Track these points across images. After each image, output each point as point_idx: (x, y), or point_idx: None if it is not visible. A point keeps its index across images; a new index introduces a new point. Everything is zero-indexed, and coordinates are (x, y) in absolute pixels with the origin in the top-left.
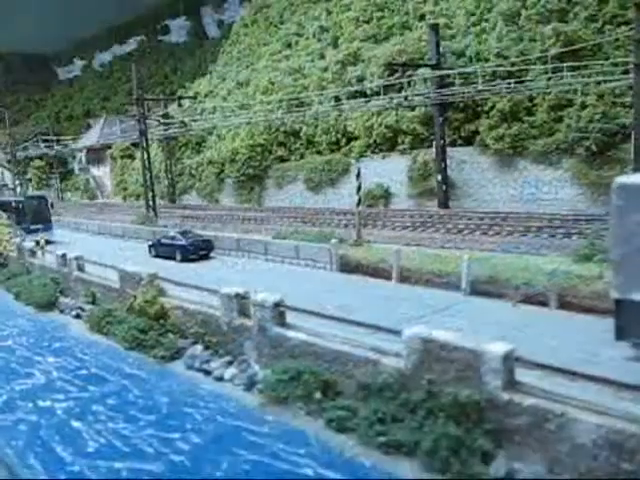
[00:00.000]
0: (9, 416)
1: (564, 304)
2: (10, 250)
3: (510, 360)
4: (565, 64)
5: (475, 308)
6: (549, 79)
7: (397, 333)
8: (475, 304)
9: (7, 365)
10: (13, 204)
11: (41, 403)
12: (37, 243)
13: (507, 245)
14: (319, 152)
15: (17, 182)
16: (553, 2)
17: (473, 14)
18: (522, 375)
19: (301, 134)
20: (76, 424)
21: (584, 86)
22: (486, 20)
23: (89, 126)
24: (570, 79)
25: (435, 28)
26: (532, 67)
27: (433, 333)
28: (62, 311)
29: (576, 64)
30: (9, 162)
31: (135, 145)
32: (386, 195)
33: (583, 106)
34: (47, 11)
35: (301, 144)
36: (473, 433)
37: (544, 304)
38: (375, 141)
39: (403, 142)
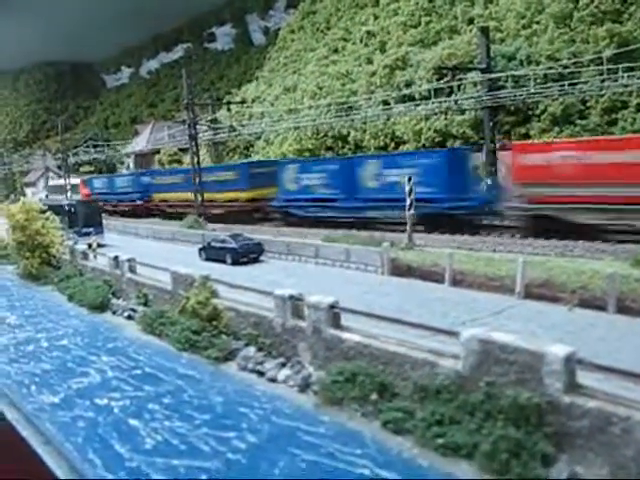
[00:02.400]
0: (67, 413)
1: (622, 308)
2: (63, 253)
3: (572, 362)
4: (620, 65)
5: (530, 311)
6: (603, 81)
7: (454, 335)
8: (530, 307)
9: (63, 364)
10: (66, 208)
11: (98, 401)
12: (89, 246)
13: (561, 249)
14: None
15: (67, 187)
16: (607, 3)
17: (523, 17)
18: (583, 378)
19: (349, 138)
20: (133, 422)
21: None
22: (537, 22)
23: (136, 132)
24: (626, 80)
25: (485, 31)
26: (585, 69)
27: (492, 335)
28: (114, 312)
29: (631, 65)
30: (59, 168)
31: (183, 150)
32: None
33: (639, 108)
34: (95, 20)
35: (349, 148)
36: (533, 436)
37: (601, 308)
38: (424, 145)
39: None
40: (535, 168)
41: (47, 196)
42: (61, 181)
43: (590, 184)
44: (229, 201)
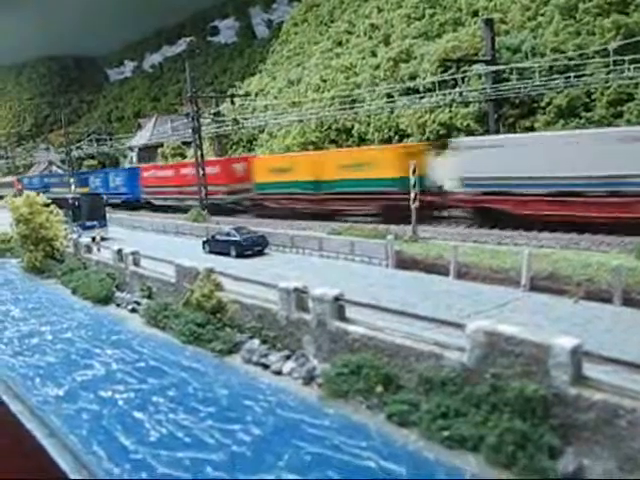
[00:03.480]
0: (71, 405)
1: (628, 300)
2: (67, 246)
3: (578, 354)
4: (626, 57)
5: (535, 304)
6: (608, 73)
7: (460, 327)
8: (535, 300)
9: (67, 356)
10: (70, 201)
11: (102, 393)
12: (93, 239)
13: (566, 241)
14: None
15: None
16: None
17: (528, 8)
18: (589, 370)
19: (353, 131)
20: (137, 414)
21: None
22: (542, 14)
23: (140, 126)
24: (632, 72)
25: (490, 23)
26: (590, 61)
27: (498, 327)
28: (118, 305)
29: (637, 57)
30: (63, 162)
31: (186, 144)
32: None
33: None
34: (98, 14)
35: (353, 141)
36: (540, 428)
37: (607, 301)
38: (428, 138)
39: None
40: (148, 178)
41: None
42: (2, 179)
43: (162, 185)
44: None
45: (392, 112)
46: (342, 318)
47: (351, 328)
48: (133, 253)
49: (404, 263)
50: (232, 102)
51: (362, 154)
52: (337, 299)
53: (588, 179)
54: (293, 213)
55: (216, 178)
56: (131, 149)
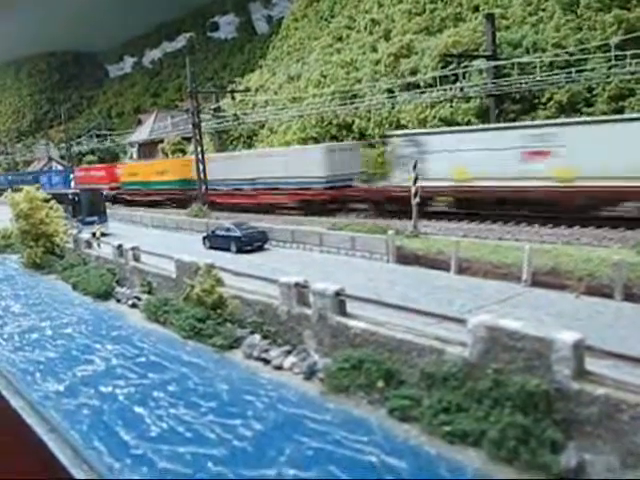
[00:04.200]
0: (72, 400)
1: (630, 295)
2: (67, 242)
3: (580, 349)
4: (627, 52)
5: (537, 299)
6: (610, 68)
7: (462, 322)
8: (536, 295)
9: (68, 352)
10: (69, 197)
11: (102, 389)
12: (93, 235)
13: (567, 237)
14: (372, 145)
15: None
16: None
17: (529, 4)
18: (591, 365)
19: (353, 127)
20: (138, 409)
21: None
22: (543, 9)
23: (140, 122)
24: (633, 67)
25: (491, 18)
26: (591, 56)
27: (500, 322)
28: (119, 301)
29: (639, 51)
30: (63, 158)
31: (186, 139)
32: None
33: None
34: (97, 10)
35: (353, 137)
36: (542, 423)
37: (608, 296)
38: None
39: None
40: (75, 177)
41: None
42: None
43: (89, 182)
44: None
45: (393, 107)
46: (343, 313)
47: (352, 323)
48: (133, 248)
49: (405, 258)
50: (232, 98)
51: (163, 164)
52: (338, 294)
53: (249, 180)
54: (140, 202)
55: (102, 179)
56: (131, 145)
